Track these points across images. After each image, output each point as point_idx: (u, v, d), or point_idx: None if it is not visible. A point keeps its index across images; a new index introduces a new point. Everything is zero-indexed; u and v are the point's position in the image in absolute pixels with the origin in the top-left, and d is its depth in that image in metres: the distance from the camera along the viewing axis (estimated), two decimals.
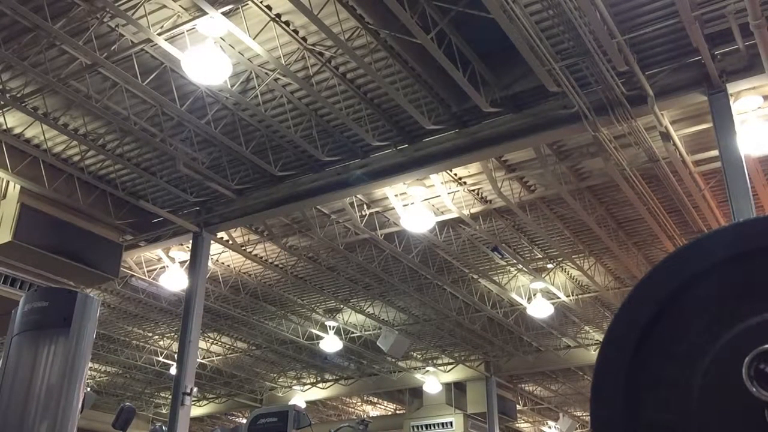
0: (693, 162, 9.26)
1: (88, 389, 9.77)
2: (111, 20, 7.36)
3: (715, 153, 8.33)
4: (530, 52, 7.12)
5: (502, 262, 12.85)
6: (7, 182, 9.58)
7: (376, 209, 10.94)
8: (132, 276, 12.90)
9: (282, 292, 14.16)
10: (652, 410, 1.01)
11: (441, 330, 16.04)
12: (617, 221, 11.44)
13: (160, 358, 17.72)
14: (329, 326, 15.82)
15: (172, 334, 16.20)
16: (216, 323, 15.53)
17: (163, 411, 20.96)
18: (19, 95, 8.30)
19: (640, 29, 7.38)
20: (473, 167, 9.75)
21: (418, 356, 17.88)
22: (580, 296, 14.12)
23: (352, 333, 16.16)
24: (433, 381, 18.45)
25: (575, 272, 13.23)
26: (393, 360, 17.70)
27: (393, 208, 10.49)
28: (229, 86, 8.17)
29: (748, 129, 8.05)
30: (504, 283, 13.52)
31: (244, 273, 13.23)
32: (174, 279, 12.13)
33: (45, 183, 9.57)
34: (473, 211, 10.76)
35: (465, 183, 10.22)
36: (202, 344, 16.14)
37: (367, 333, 16.12)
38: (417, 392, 19.49)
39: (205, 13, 6.94)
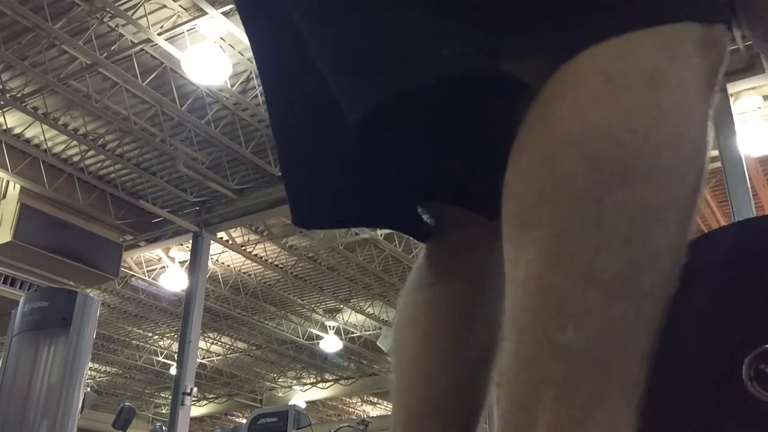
0: None
1: (88, 389, 9.78)
2: (111, 20, 7.37)
3: (715, 153, 8.32)
4: None
5: None
6: (7, 182, 9.58)
7: None
8: (132, 276, 12.90)
9: (282, 292, 14.16)
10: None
11: None
12: None
13: (160, 358, 17.72)
14: (329, 326, 15.82)
15: (172, 334, 16.19)
16: (216, 323, 15.53)
17: (163, 411, 20.96)
18: (19, 95, 8.31)
19: None
20: None
21: None
22: None
23: (352, 333, 16.16)
24: None
25: None
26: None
27: None
28: (229, 86, 8.17)
29: (748, 129, 8.05)
30: None
31: (244, 273, 13.23)
32: (174, 279, 12.13)
33: (45, 183, 9.57)
34: None
35: None
36: (202, 344, 16.14)
37: (367, 333, 16.12)
38: None
39: (205, 13, 6.94)
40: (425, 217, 0.91)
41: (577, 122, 0.55)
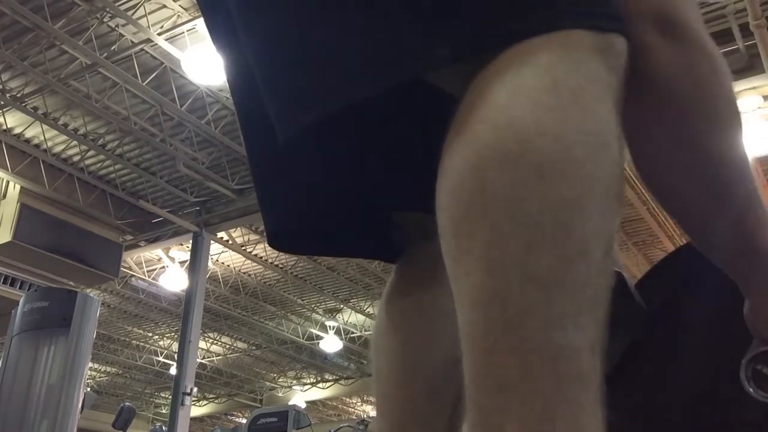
0: None
1: (88, 389, 9.77)
2: (111, 20, 7.37)
3: None
4: None
5: None
6: (7, 182, 9.58)
7: None
8: (132, 276, 12.90)
9: (282, 292, 14.16)
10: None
11: None
12: None
13: (160, 358, 17.72)
14: (329, 326, 15.82)
15: (172, 334, 16.20)
16: (216, 323, 15.53)
17: (163, 411, 20.96)
18: (19, 95, 8.31)
19: None
20: None
21: None
22: None
23: (352, 333, 16.17)
24: None
25: None
26: None
27: None
28: None
29: (748, 129, 8.05)
30: None
31: (244, 273, 13.23)
32: (174, 279, 12.13)
33: (45, 183, 9.57)
34: None
35: None
36: (202, 344, 16.14)
37: (367, 333, 16.12)
38: None
39: None
40: (396, 233, 0.95)
41: (493, 132, 0.59)
